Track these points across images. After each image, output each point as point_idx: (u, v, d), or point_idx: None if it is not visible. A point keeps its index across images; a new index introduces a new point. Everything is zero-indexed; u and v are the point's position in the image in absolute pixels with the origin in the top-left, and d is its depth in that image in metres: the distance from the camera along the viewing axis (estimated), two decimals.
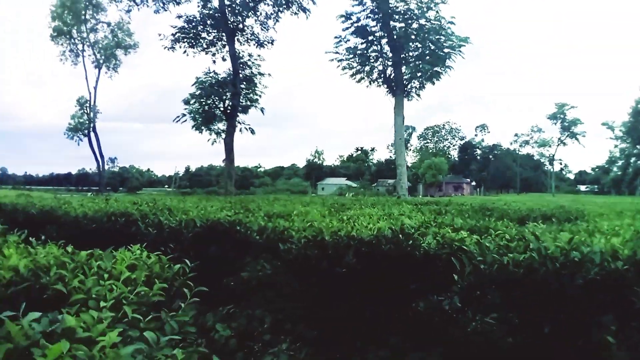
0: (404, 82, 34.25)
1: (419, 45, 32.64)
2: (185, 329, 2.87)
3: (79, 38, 48.64)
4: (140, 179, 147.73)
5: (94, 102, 49.33)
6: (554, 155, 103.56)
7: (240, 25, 34.84)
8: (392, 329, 4.56)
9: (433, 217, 6.26)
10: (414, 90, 35.23)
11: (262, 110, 36.96)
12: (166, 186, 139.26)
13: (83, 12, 47.35)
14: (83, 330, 2.16)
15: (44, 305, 2.95)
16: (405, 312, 4.53)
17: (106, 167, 50.41)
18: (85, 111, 49.13)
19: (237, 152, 34.88)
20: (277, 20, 35.50)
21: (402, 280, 4.36)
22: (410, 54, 33.92)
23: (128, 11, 37.72)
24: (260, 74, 35.82)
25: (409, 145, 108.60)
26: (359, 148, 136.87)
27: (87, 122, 48.75)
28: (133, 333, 2.45)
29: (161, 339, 2.25)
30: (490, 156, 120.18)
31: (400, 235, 4.34)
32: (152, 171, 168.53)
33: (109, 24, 49.19)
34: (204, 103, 35.54)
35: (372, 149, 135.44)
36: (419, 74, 33.38)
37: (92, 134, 49.16)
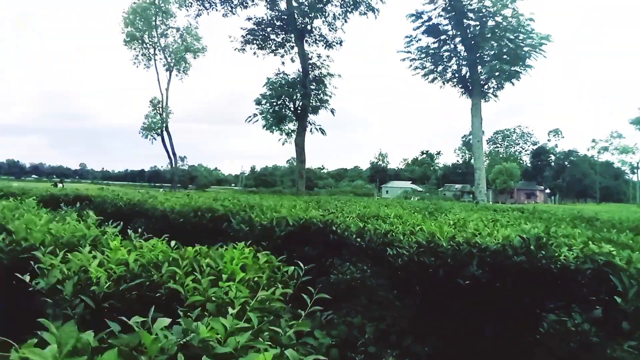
0: (481, 82, 32.87)
1: (496, 44, 31.04)
2: (302, 340, 2.52)
3: (150, 43, 50.88)
4: (209, 177, 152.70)
5: (166, 103, 51.35)
6: (639, 163, 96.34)
7: (309, 27, 34.83)
8: (515, 351, 4.01)
9: (544, 226, 5.61)
10: (491, 90, 33.78)
11: (332, 111, 36.68)
12: (232, 185, 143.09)
13: (153, 19, 49.42)
14: (218, 341, 1.85)
15: (157, 305, 2.69)
16: (531, 334, 3.96)
17: (177, 165, 52.43)
18: (158, 112, 51.16)
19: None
20: (345, 21, 35.22)
21: (530, 297, 3.81)
22: (487, 53, 32.44)
23: (197, 15, 38.73)
24: (329, 74, 35.61)
25: None
26: (425, 151, 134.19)
27: (159, 122, 50.72)
28: (259, 345, 2.10)
29: None
30: (566, 163, 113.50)
31: (532, 246, 3.78)
32: (219, 170, 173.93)
33: (178, 29, 51.22)
34: (274, 103, 35.72)
35: (438, 153, 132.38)
36: (496, 74, 31.81)
37: (164, 133, 51.18)
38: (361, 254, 5.29)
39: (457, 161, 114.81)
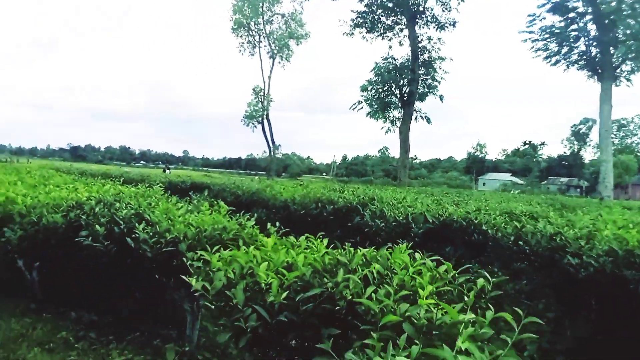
0: (613, 64, 29.64)
1: (634, 22, 27.61)
2: None
3: (256, 30, 52.06)
4: (301, 165, 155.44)
5: (268, 91, 52.42)
6: None
7: (421, 8, 33.09)
8: None
9: None
10: (624, 74, 30.36)
11: (440, 97, 34.85)
12: (324, 174, 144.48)
13: (260, 5, 50.40)
14: None
15: (335, 321, 2.29)
16: None
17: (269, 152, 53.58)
18: (260, 100, 52.44)
19: (392, 142, 33.72)
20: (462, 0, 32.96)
21: None
22: (622, 32, 28.97)
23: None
24: (440, 58, 33.79)
25: (587, 140, 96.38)
26: (527, 142, 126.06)
27: (261, 110, 52.02)
28: None
29: None
30: None
31: None
32: (311, 159, 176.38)
33: (283, 15, 51.73)
34: (380, 90, 34.86)
35: (542, 144, 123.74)
36: (632, 55, 28.42)
37: (264, 122, 52.44)
38: (515, 259, 4.64)
39: (564, 152, 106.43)
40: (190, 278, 2.76)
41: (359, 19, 35.05)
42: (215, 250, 2.98)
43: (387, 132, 36.33)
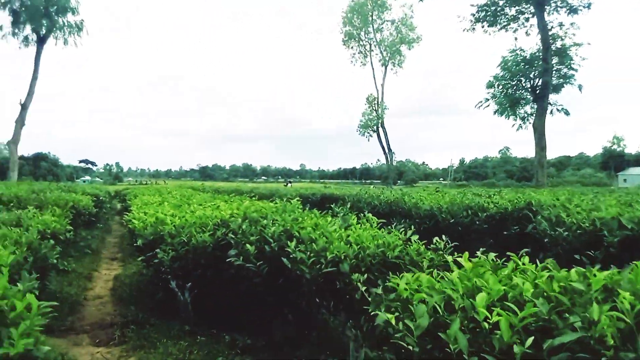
0: None
1: None
2: None
3: (366, 40, 52.00)
4: (416, 171, 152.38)
5: (381, 99, 51.91)
6: None
7: None
8: None
9: None
10: None
11: (579, 87, 31.50)
12: (440, 179, 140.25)
13: (370, 14, 50.27)
14: None
15: None
16: None
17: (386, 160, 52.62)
18: (374, 108, 52.11)
19: (515, 140, 30.93)
20: None
21: None
22: None
23: (421, 0, 37.44)
24: (575, 44, 30.45)
25: None
26: None
27: (375, 118, 51.66)
28: None
29: None
30: None
31: None
32: (426, 164, 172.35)
33: (393, 22, 51.05)
34: (508, 85, 32.62)
35: None
36: None
37: (380, 130, 51.93)
38: None
39: None
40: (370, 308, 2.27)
41: (480, 12, 33.13)
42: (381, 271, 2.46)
43: (518, 129, 33.67)
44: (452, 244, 3.47)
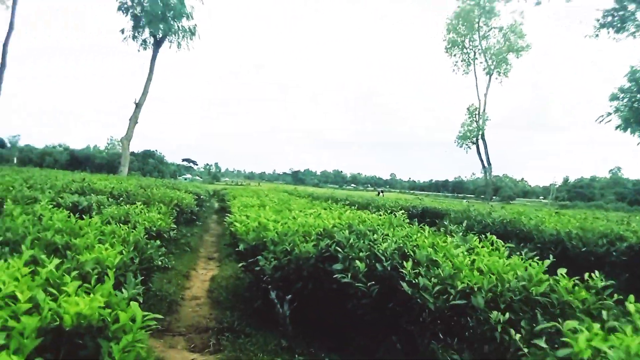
0: None
1: None
2: None
3: (471, 47, 49.94)
4: (514, 188, 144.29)
5: (484, 109, 49.57)
6: None
7: None
8: None
9: None
10: None
11: None
12: (541, 197, 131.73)
13: (476, 21, 48.25)
14: None
15: None
16: None
17: (481, 175, 49.75)
18: (475, 119, 49.92)
19: (628, 160, 27.54)
20: None
21: None
22: None
23: (537, 4, 35.08)
24: None
25: None
26: None
27: (476, 130, 49.43)
28: None
29: None
30: None
31: None
32: (525, 180, 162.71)
33: (500, 29, 48.58)
34: (635, 98, 29.28)
35: None
36: None
37: (479, 142, 49.60)
38: None
39: None
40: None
41: (606, 17, 30.30)
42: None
43: None
44: (608, 282, 2.87)
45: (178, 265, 8.32)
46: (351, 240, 4.31)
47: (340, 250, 4.18)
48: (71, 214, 4.33)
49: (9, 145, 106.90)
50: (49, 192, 6.80)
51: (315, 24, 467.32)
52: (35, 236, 3.11)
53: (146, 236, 4.23)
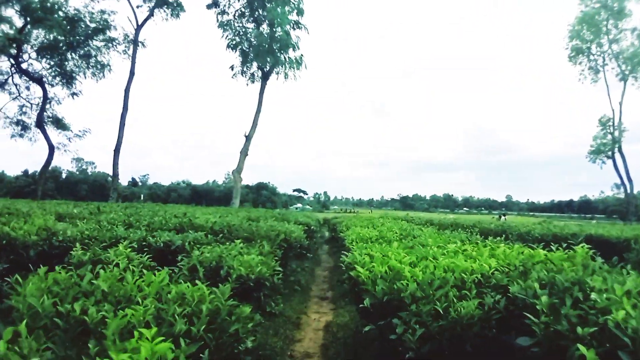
0: None
1: None
2: None
3: (598, 53, 44.56)
4: None
5: (619, 119, 43.71)
6: None
7: None
8: None
9: None
10: None
11: None
12: None
13: (604, 24, 43.11)
14: None
15: None
16: None
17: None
18: (609, 130, 44.13)
19: None
20: None
21: None
22: None
23: None
24: None
25: None
26: None
27: (610, 143, 43.60)
28: None
29: None
30: None
31: None
32: None
33: (633, 30, 42.78)
34: None
35: None
36: None
37: (615, 156, 43.58)
38: None
39: None
40: None
41: None
42: None
43: None
44: None
45: (287, 310, 7.13)
46: (543, 299, 2.71)
47: (531, 318, 2.60)
48: (155, 259, 3.23)
49: (140, 184, 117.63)
50: (139, 232, 5.98)
51: (414, 41, 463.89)
52: (50, 311, 1.96)
53: (237, 290, 2.99)
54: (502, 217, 37.44)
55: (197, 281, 2.66)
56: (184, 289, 2.46)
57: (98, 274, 2.78)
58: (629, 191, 43.99)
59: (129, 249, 4.11)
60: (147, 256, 4.17)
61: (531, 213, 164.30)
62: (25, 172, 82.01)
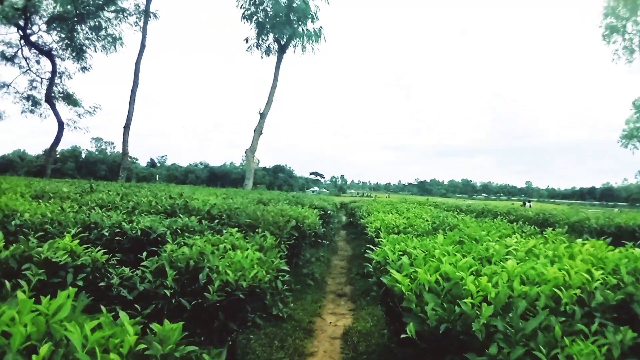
0: None
1: None
2: None
3: (634, 31, 41.98)
4: None
5: None
6: None
7: None
8: None
9: None
10: None
11: None
12: None
13: None
14: None
15: None
16: None
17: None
18: None
19: None
20: None
21: None
22: None
23: None
24: None
25: None
26: None
27: None
28: None
29: None
30: None
31: None
32: None
33: None
34: None
35: None
36: None
37: None
38: None
39: None
40: None
41: None
42: None
43: None
44: None
45: (297, 311, 6.00)
46: None
47: None
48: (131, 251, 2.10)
49: (158, 165, 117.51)
50: (115, 215, 4.83)
51: (432, 28, 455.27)
52: None
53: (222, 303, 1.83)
54: (527, 204, 35.86)
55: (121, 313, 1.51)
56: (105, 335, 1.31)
57: None
58: None
59: (77, 240, 2.98)
60: (100, 250, 3.06)
61: (552, 200, 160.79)
62: (46, 151, 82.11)
